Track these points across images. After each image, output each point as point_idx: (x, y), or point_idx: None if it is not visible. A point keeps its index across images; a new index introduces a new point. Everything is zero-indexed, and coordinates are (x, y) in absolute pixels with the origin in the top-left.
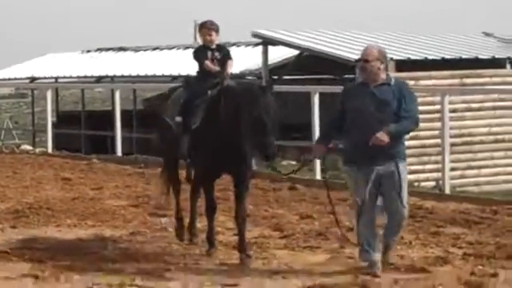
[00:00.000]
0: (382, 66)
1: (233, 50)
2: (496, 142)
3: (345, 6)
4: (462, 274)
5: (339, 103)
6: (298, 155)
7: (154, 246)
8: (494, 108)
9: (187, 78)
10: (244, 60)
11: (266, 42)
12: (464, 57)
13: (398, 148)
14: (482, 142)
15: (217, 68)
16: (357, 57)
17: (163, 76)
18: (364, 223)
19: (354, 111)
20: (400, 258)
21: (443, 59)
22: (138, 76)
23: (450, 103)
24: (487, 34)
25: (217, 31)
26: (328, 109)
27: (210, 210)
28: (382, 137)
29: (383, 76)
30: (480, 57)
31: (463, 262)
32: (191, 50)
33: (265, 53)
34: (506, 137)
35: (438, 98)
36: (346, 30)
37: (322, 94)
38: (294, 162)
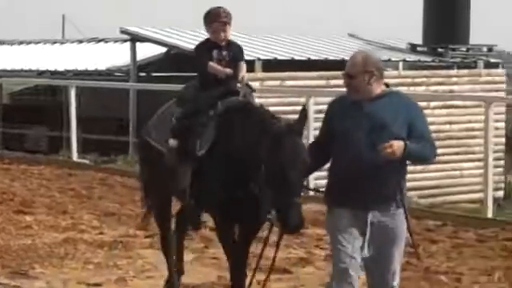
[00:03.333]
0: (373, 79)
1: (101, 47)
2: None
3: (218, 4)
4: (324, 275)
5: (322, 123)
6: None
7: (19, 243)
8: None
9: (183, 90)
10: (112, 57)
11: (134, 39)
12: (330, 58)
13: (402, 184)
14: None
15: (226, 70)
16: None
17: (30, 71)
18: None
19: (341, 135)
20: (264, 259)
21: (310, 60)
22: (4, 70)
23: (316, 104)
24: (352, 36)
25: (231, 24)
26: None
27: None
28: (395, 147)
29: (377, 90)
30: (346, 58)
31: (325, 263)
32: (59, 45)
33: (133, 50)
34: None
35: (303, 100)
36: None
37: None
38: None
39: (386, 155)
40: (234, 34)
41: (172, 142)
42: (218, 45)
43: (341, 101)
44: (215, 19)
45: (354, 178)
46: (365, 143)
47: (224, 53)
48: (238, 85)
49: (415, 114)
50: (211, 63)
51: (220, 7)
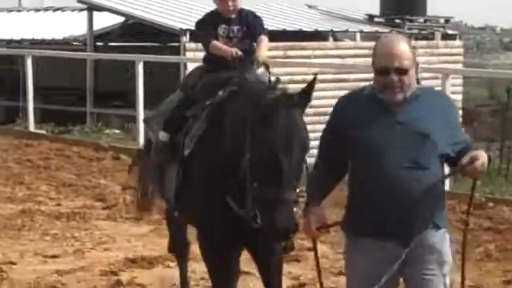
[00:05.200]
0: (415, 69)
1: (58, 16)
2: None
3: None
4: None
5: (330, 131)
6: (122, 123)
7: None
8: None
9: (189, 73)
10: (69, 26)
11: (92, 8)
12: (288, 29)
13: (443, 202)
14: (304, 115)
15: (234, 51)
16: (182, 25)
17: None
18: None
19: (365, 148)
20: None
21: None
22: None
23: (274, 75)
24: (310, 7)
25: None
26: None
27: None
28: (480, 162)
29: (414, 85)
30: (304, 29)
31: None
32: (15, 14)
33: (90, 19)
34: (328, 110)
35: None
36: None
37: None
38: (117, 131)
39: (469, 173)
40: None
41: (162, 135)
42: (227, 17)
43: (356, 100)
44: None
45: (386, 201)
46: (401, 159)
47: (235, 28)
48: (253, 66)
49: (455, 117)
50: (214, 42)
51: None
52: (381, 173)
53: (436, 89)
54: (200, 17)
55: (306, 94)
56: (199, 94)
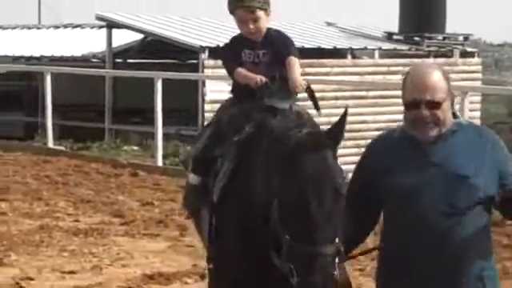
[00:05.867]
0: (450, 102)
1: (77, 33)
2: None
3: None
4: None
5: (360, 178)
6: (140, 140)
7: None
8: (336, 98)
9: (221, 104)
10: (88, 43)
11: (110, 25)
12: (307, 46)
13: (490, 256)
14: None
15: (258, 78)
16: (201, 42)
17: (5, 56)
18: None
19: (401, 195)
20: None
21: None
22: None
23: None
24: (329, 24)
25: (264, 9)
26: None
27: None
28: None
29: (449, 120)
30: (322, 46)
31: None
32: (35, 31)
33: (109, 36)
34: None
35: None
36: (195, 17)
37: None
38: (135, 148)
39: None
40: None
41: (192, 178)
42: (251, 41)
43: (387, 142)
44: (238, 4)
45: (423, 254)
46: (438, 204)
47: (260, 52)
48: (290, 94)
49: (503, 153)
50: (238, 69)
51: None
52: (413, 219)
53: (474, 123)
54: (220, 36)
55: (336, 132)
56: (227, 129)
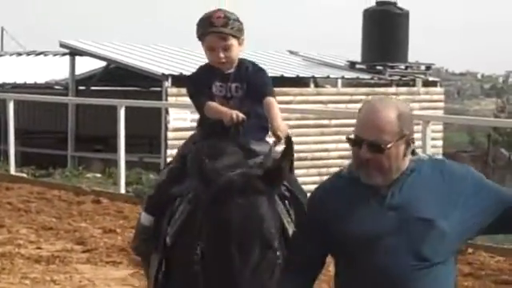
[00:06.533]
0: (409, 148)
1: (40, 60)
2: (298, 160)
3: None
4: None
5: (304, 231)
6: (103, 167)
7: None
8: (299, 126)
9: (188, 140)
10: (51, 70)
11: (74, 53)
12: (270, 75)
13: None
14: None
15: (234, 114)
16: (164, 70)
17: None
18: None
19: (352, 245)
20: None
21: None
22: None
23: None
24: (292, 53)
25: (237, 37)
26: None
27: None
28: None
29: (402, 166)
30: (285, 75)
31: None
32: None
33: (72, 63)
34: (309, 155)
35: None
36: (156, 44)
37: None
38: (98, 175)
39: None
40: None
41: (143, 218)
42: (222, 72)
43: (333, 187)
44: (208, 29)
45: None
46: (399, 253)
47: (233, 85)
48: (269, 141)
49: (473, 182)
50: (209, 103)
51: (219, 9)
52: (377, 275)
53: (435, 156)
54: (183, 64)
55: (273, 176)
56: (190, 167)
